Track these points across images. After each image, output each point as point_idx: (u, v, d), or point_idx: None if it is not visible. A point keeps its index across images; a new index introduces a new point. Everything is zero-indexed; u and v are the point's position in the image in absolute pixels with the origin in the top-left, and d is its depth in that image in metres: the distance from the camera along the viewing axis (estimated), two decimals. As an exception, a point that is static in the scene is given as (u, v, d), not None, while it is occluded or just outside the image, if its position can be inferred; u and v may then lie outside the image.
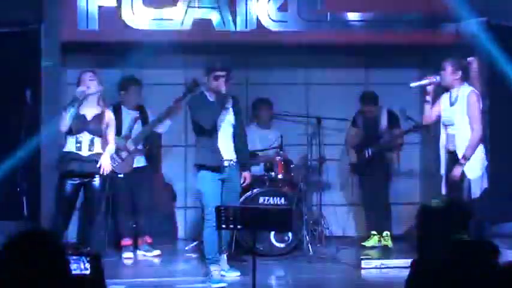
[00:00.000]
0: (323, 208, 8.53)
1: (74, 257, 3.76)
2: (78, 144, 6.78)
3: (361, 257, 7.30)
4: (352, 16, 8.24)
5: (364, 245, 8.24)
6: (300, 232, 7.76)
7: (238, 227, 5.63)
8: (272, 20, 8.11)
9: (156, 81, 8.49)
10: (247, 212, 5.63)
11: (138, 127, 7.85)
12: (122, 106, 7.89)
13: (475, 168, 6.47)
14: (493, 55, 7.47)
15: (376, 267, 7.11)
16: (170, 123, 7.84)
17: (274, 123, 8.65)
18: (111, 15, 7.90)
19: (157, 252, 7.94)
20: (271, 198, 7.81)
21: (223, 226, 5.67)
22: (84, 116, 6.80)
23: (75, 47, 7.88)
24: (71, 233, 7.70)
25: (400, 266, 6.73)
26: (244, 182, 6.77)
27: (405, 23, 8.14)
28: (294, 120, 8.54)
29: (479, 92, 6.64)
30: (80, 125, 6.76)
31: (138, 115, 7.89)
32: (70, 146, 6.80)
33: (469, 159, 6.43)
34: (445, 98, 6.66)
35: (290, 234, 7.70)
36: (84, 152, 6.78)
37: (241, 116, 6.93)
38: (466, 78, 6.60)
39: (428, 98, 6.68)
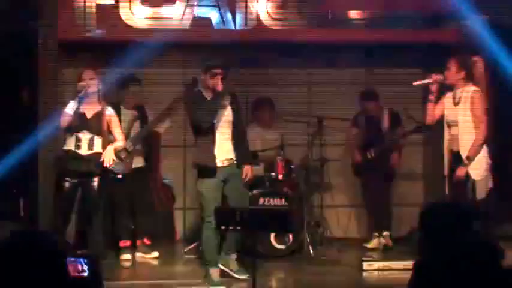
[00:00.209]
0: (324, 209, 8.53)
1: (72, 259, 3.76)
2: (78, 143, 6.78)
3: (363, 259, 7.30)
4: (353, 14, 8.24)
5: (366, 247, 8.23)
6: (300, 233, 7.76)
7: (238, 228, 5.64)
8: (272, 18, 8.11)
9: (155, 80, 8.49)
10: (247, 213, 5.63)
11: (136, 127, 7.84)
12: (121, 105, 7.88)
13: (479, 169, 6.46)
14: (496, 54, 7.47)
15: (377, 269, 7.10)
16: (169, 124, 7.84)
17: (274, 123, 8.64)
18: (109, 14, 7.91)
19: (155, 253, 7.94)
20: (272, 199, 7.80)
21: (223, 227, 5.68)
22: (83, 114, 6.80)
23: (72, 46, 7.88)
24: (69, 234, 7.69)
25: (402, 268, 6.73)
26: (246, 177, 6.71)
27: (407, 21, 8.14)
28: (294, 120, 8.54)
29: (483, 92, 6.63)
30: (80, 123, 6.76)
31: (137, 115, 7.88)
32: (69, 144, 6.80)
33: (473, 159, 6.43)
34: (448, 97, 6.65)
35: (290, 235, 7.70)
36: (84, 151, 6.78)
37: (240, 114, 6.91)
38: (470, 77, 6.59)
39: (431, 97, 6.68)
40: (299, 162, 8.48)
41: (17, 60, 7.68)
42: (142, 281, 6.93)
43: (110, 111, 6.97)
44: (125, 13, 7.91)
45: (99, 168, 6.78)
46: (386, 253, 8.00)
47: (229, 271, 6.73)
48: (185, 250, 8.13)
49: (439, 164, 6.89)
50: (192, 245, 8.08)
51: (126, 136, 7.72)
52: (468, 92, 6.52)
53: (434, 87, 6.66)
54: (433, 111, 6.72)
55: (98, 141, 6.82)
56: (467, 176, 6.43)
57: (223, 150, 6.60)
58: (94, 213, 6.89)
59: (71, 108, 6.68)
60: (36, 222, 7.45)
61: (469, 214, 3.41)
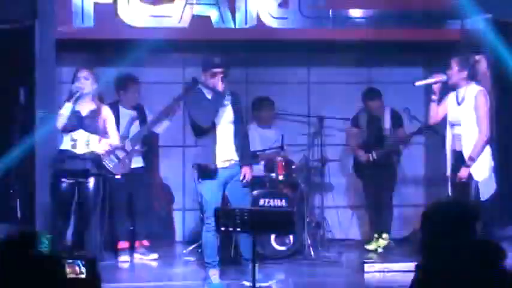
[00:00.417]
0: (325, 210, 8.53)
1: (70, 260, 3.77)
2: (73, 142, 6.79)
3: (364, 260, 7.30)
4: (355, 13, 8.24)
5: (367, 248, 8.23)
6: (301, 235, 7.76)
7: (238, 229, 5.64)
8: (272, 16, 8.12)
9: (154, 80, 8.50)
10: (247, 214, 5.63)
11: (135, 127, 7.85)
12: (120, 105, 7.89)
13: (482, 170, 6.46)
14: (499, 52, 7.48)
15: (379, 271, 7.11)
16: (169, 124, 7.84)
17: (274, 123, 8.65)
18: (107, 12, 7.91)
19: (154, 255, 7.94)
20: (272, 200, 7.80)
21: (223, 229, 5.68)
22: (78, 113, 6.80)
23: (70, 45, 7.88)
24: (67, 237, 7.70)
25: (404, 269, 6.73)
26: (244, 179, 6.70)
27: (409, 20, 8.14)
28: (295, 120, 8.54)
29: (487, 91, 6.63)
30: (75, 122, 6.76)
31: (135, 114, 7.89)
32: (65, 144, 6.81)
33: (475, 160, 6.43)
34: (451, 97, 6.65)
35: (291, 237, 7.70)
36: (80, 150, 6.79)
37: (242, 113, 6.90)
38: (473, 76, 6.59)
39: (434, 97, 6.67)
40: (299, 162, 8.48)
41: (14, 59, 7.68)
42: (141, 283, 6.94)
43: (105, 109, 6.98)
44: (123, 12, 7.91)
45: (95, 167, 6.78)
46: (387, 254, 8.00)
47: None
48: (184, 252, 8.13)
49: (442, 165, 6.88)
50: (192, 247, 8.09)
51: (125, 136, 7.74)
52: (471, 91, 6.52)
53: (436, 87, 6.65)
54: (436, 112, 6.71)
55: (94, 140, 6.83)
56: (470, 176, 6.43)
57: (225, 151, 6.58)
58: (91, 213, 6.89)
59: (66, 110, 6.68)
60: (34, 223, 7.45)
61: (471, 215, 3.41)
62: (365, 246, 8.28)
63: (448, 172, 6.66)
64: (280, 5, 8.11)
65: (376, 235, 8.28)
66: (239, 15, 8.05)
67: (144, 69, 8.32)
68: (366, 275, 7.06)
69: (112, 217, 7.88)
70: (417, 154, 8.94)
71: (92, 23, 7.89)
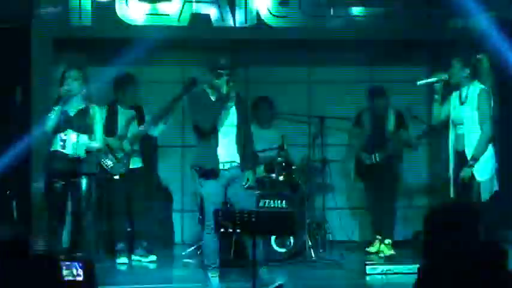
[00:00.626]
0: (326, 212, 8.52)
1: (67, 263, 3.76)
2: (62, 143, 6.79)
3: (366, 263, 7.29)
4: (356, 11, 8.23)
5: (369, 251, 8.21)
6: (301, 236, 7.75)
7: (238, 231, 5.63)
8: (273, 15, 8.11)
9: (152, 79, 8.49)
10: (246, 216, 5.62)
11: (133, 127, 7.85)
12: (118, 105, 7.88)
13: (485, 170, 6.45)
14: (502, 51, 7.47)
15: (381, 273, 7.10)
16: (164, 127, 7.82)
17: (275, 123, 8.64)
18: (105, 11, 7.91)
19: (153, 257, 7.93)
20: (272, 201, 7.80)
21: (222, 230, 5.66)
22: (67, 113, 6.80)
23: (67, 44, 7.88)
24: (64, 238, 7.69)
25: (406, 272, 6.72)
26: (246, 184, 6.67)
27: (411, 18, 8.14)
28: (295, 120, 8.53)
29: (490, 90, 6.62)
30: (64, 122, 6.76)
31: (134, 114, 7.88)
32: (56, 144, 6.81)
33: (478, 160, 6.42)
34: (454, 96, 6.64)
35: (291, 238, 7.70)
36: (70, 151, 6.79)
37: (246, 115, 6.84)
38: (475, 75, 6.58)
39: (437, 96, 6.67)
40: (300, 163, 8.48)
41: (10, 59, 7.68)
42: (139, 286, 6.92)
43: (94, 108, 6.97)
44: (121, 9, 7.91)
45: (87, 167, 6.78)
46: (390, 256, 7.99)
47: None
48: (183, 253, 8.12)
49: (444, 165, 6.88)
50: (191, 248, 8.08)
51: (123, 136, 7.74)
52: (474, 90, 6.52)
53: (438, 87, 6.64)
54: (439, 112, 6.70)
55: (83, 139, 6.83)
56: (473, 177, 6.42)
57: (226, 153, 6.54)
58: (84, 213, 6.88)
59: (55, 113, 6.68)
60: (30, 224, 7.45)
61: (474, 217, 3.40)
62: (366, 249, 8.26)
63: (451, 172, 6.65)
64: (280, 3, 8.10)
65: (378, 237, 8.25)
66: (239, 14, 8.04)
67: (143, 68, 8.31)
68: (367, 278, 7.05)
69: (110, 218, 7.87)
70: (420, 154, 8.92)
71: (90, 22, 7.88)
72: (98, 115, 6.98)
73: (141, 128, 7.80)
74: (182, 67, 8.54)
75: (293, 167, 8.18)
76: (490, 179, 6.50)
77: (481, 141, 6.43)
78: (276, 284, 6.50)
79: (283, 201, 7.81)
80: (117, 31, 7.93)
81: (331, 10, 8.16)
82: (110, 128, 7.73)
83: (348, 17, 8.24)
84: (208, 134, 6.49)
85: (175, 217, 8.96)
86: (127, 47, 7.53)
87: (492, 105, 6.58)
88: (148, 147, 8.11)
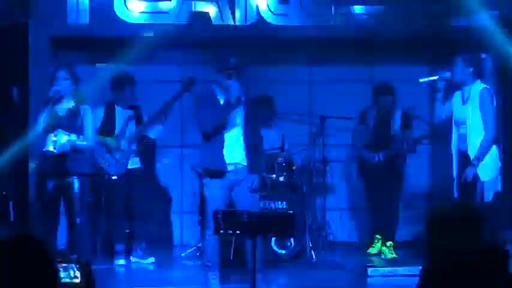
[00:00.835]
0: (327, 212, 8.52)
1: (63, 265, 3.76)
2: (53, 143, 6.80)
3: (367, 264, 7.29)
4: (358, 9, 8.23)
5: (369, 253, 8.19)
6: (302, 238, 7.75)
7: (237, 232, 5.62)
8: (273, 13, 8.10)
9: (151, 78, 8.48)
10: (246, 217, 5.61)
11: (131, 127, 7.84)
12: (116, 105, 7.88)
13: (489, 170, 6.44)
14: (505, 50, 7.46)
15: (383, 275, 7.09)
16: (162, 128, 7.82)
17: (275, 123, 8.64)
18: (102, 9, 7.90)
19: (152, 259, 7.93)
20: (272, 202, 7.79)
21: (221, 231, 5.66)
22: (57, 113, 6.81)
23: (65, 42, 7.88)
24: (61, 240, 7.69)
25: (408, 274, 6.72)
26: (251, 185, 6.63)
27: (413, 16, 8.13)
28: (296, 120, 8.53)
29: (493, 90, 6.61)
30: (54, 122, 6.77)
31: (131, 114, 7.88)
32: (47, 144, 6.83)
33: (481, 160, 6.42)
34: (457, 95, 6.64)
35: (292, 240, 7.69)
36: (60, 151, 6.79)
37: (255, 117, 6.79)
38: (479, 74, 6.57)
39: (439, 95, 6.65)
40: (301, 163, 8.47)
41: (7, 57, 7.67)
42: (138, 288, 6.93)
43: (84, 108, 6.96)
44: (119, 7, 7.90)
45: (80, 167, 6.79)
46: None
47: None
48: (182, 255, 8.12)
49: (447, 165, 6.87)
50: (190, 250, 8.08)
51: (121, 136, 7.74)
52: (477, 89, 6.51)
53: (441, 85, 6.63)
54: (441, 111, 6.69)
55: (74, 139, 6.83)
56: (476, 177, 6.41)
57: (232, 154, 6.51)
58: (77, 214, 6.87)
59: (45, 114, 6.70)
60: (27, 226, 7.44)
61: (477, 218, 3.39)
62: (367, 251, 8.23)
63: (454, 173, 6.64)
64: (280, 1, 8.10)
65: (377, 236, 8.22)
66: (239, 12, 8.03)
67: (141, 67, 8.30)
68: (369, 279, 7.05)
69: (108, 219, 7.87)
70: (422, 155, 8.91)
71: (87, 20, 7.88)
72: (89, 115, 6.97)
73: (139, 127, 7.80)
74: (181, 66, 8.54)
75: (293, 168, 8.17)
76: (494, 179, 6.49)
77: (484, 141, 6.43)
78: None
79: (284, 202, 7.80)
80: (115, 29, 7.92)
81: (332, 8, 8.14)
82: (107, 128, 7.73)
83: (349, 15, 8.22)
84: (215, 134, 6.46)
85: (174, 218, 8.96)
86: (125, 46, 7.52)
87: (495, 104, 6.57)
88: (147, 148, 8.10)
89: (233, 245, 7.43)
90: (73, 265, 3.75)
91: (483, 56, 6.86)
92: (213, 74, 6.57)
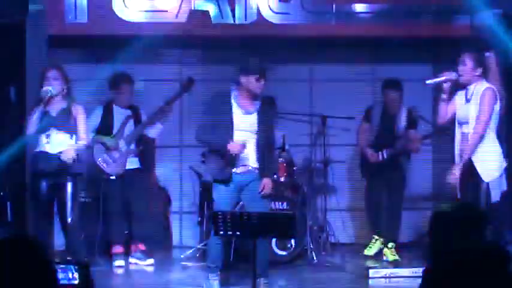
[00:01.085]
0: (328, 213, 8.51)
1: (62, 266, 3.76)
2: (46, 143, 6.81)
3: (369, 266, 7.29)
4: (359, 8, 8.23)
5: (366, 254, 8.15)
6: (303, 239, 7.75)
7: (237, 233, 5.62)
8: (273, 11, 8.11)
9: (150, 77, 8.48)
10: (246, 218, 5.61)
11: (130, 126, 7.85)
12: (114, 104, 7.88)
13: (491, 170, 6.43)
14: (509, 48, 7.46)
15: (384, 277, 7.10)
16: (162, 127, 7.83)
17: (275, 123, 8.62)
18: (101, 7, 7.90)
19: (150, 260, 7.93)
20: (273, 202, 7.79)
21: (221, 232, 5.66)
22: (49, 112, 6.82)
23: (62, 41, 7.88)
24: (59, 241, 7.69)
25: (410, 275, 6.72)
26: (262, 190, 6.59)
27: (416, 15, 8.13)
28: (297, 120, 8.53)
29: (497, 89, 6.59)
30: (46, 122, 6.78)
31: (130, 114, 7.88)
32: (41, 145, 6.84)
33: (469, 159, 6.38)
34: (460, 95, 6.62)
35: (293, 241, 7.69)
36: (53, 150, 6.81)
37: (271, 122, 6.76)
38: (485, 74, 6.56)
39: (444, 96, 6.63)
40: (302, 163, 8.47)
41: (4, 57, 7.67)
42: (137, 289, 6.94)
43: (76, 107, 6.97)
44: (117, 6, 7.91)
45: (74, 167, 6.80)
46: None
47: None
48: (182, 256, 8.12)
49: (450, 166, 6.86)
50: (189, 251, 8.08)
51: (119, 136, 7.74)
52: (480, 88, 6.49)
53: (446, 86, 6.60)
54: (445, 111, 6.68)
55: (67, 138, 6.84)
56: (479, 178, 6.40)
57: (242, 156, 6.47)
58: (69, 215, 6.88)
59: (36, 114, 6.71)
60: (25, 226, 7.44)
61: (480, 219, 3.40)
62: (365, 253, 8.18)
63: (457, 173, 6.63)
64: (281, 0, 8.10)
65: (375, 237, 8.18)
66: (239, 10, 8.04)
67: (140, 66, 8.31)
68: (370, 281, 7.05)
69: (106, 220, 7.87)
70: (424, 155, 8.91)
71: (86, 19, 7.88)
72: (81, 115, 6.99)
73: (138, 127, 7.80)
74: (180, 65, 8.54)
75: (294, 168, 8.17)
76: (499, 178, 6.47)
77: (472, 138, 6.40)
78: None
79: (285, 203, 7.80)
80: (114, 28, 7.92)
81: (333, 6, 8.14)
82: (105, 128, 7.74)
83: (350, 13, 8.22)
84: (219, 137, 6.42)
85: (174, 219, 8.95)
86: (124, 45, 7.52)
87: (499, 104, 6.56)
88: (146, 148, 8.10)
89: (233, 245, 7.44)
90: (71, 266, 3.75)
91: (488, 55, 6.84)
92: (235, 75, 6.57)
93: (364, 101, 8.42)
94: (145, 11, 8.00)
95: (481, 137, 6.41)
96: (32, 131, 6.76)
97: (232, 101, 6.49)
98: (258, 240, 5.85)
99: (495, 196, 6.39)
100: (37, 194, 6.85)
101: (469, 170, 6.44)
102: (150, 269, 7.84)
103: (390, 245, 8.07)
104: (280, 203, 7.80)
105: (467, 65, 6.48)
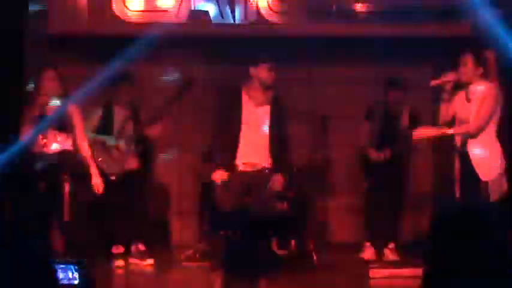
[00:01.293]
0: (328, 213, 8.52)
1: (62, 266, 3.77)
2: (43, 144, 6.82)
3: (370, 266, 7.29)
4: (360, 7, 8.23)
5: (362, 257, 8.13)
6: (303, 239, 7.75)
7: (238, 233, 5.63)
8: (273, 11, 8.11)
9: (149, 77, 8.49)
10: (247, 218, 5.62)
11: (130, 126, 7.85)
12: (114, 104, 7.89)
13: (490, 170, 6.44)
14: (509, 48, 7.46)
15: (385, 277, 7.10)
16: (160, 128, 7.83)
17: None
18: (101, 7, 7.91)
19: (150, 260, 7.93)
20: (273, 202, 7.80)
21: (221, 232, 5.67)
22: (46, 113, 6.84)
23: (62, 41, 7.88)
24: (59, 241, 7.70)
25: (411, 276, 6.72)
26: (272, 186, 6.56)
27: (416, 14, 8.13)
28: (296, 119, 8.53)
29: (498, 89, 6.60)
30: (44, 122, 6.80)
31: (130, 114, 7.89)
32: (37, 145, 6.85)
33: (468, 157, 6.39)
34: (461, 94, 6.63)
35: (293, 241, 7.69)
36: (50, 150, 6.81)
37: (284, 117, 6.76)
38: (486, 74, 6.56)
39: (446, 96, 6.63)
40: (302, 163, 8.47)
41: (4, 57, 7.67)
42: (137, 290, 6.94)
43: (72, 107, 6.98)
44: (117, 5, 7.91)
45: (71, 167, 6.81)
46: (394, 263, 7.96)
47: None
48: (182, 256, 8.12)
49: (450, 165, 6.87)
50: (189, 251, 8.08)
51: (119, 136, 7.75)
52: (481, 88, 6.50)
53: (449, 86, 6.61)
54: (447, 111, 6.68)
55: (63, 138, 6.85)
56: (477, 177, 6.40)
57: (249, 154, 6.45)
58: (68, 215, 6.89)
59: (34, 116, 6.74)
60: (23, 227, 7.44)
61: (482, 220, 3.40)
62: (360, 255, 8.16)
63: (456, 173, 6.64)
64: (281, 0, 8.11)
65: (369, 244, 8.14)
66: (239, 10, 8.04)
67: (140, 67, 8.31)
68: (371, 282, 7.05)
69: (106, 220, 7.87)
70: (426, 155, 8.91)
71: (86, 19, 7.88)
72: (78, 115, 7.00)
73: (138, 127, 7.81)
74: (180, 65, 8.54)
75: (294, 168, 8.16)
76: (498, 178, 6.47)
77: (464, 128, 6.41)
78: None
79: (285, 203, 7.80)
80: (114, 28, 7.93)
81: (334, 6, 8.15)
82: (105, 128, 7.74)
83: (351, 13, 8.23)
84: (233, 130, 6.41)
85: (174, 219, 8.96)
86: (124, 45, 7.53)
87: (499, 103, 6.56)
88: (145, 148, 8.11)
89: (233, 245, 7.44)
90: (71, 266, 3.76)
91: (488, 54, 6.84)
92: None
93: (364, 100, 8.41)
94: (146, 11, 8.00)
95: (476, 130, 6.42)
96: (30, 131, 6.77)
97: (243, 93, 6.48)
98: (258, 240, 5.86)
99: (494, 196, 6.39)
100: (36, 193, 6.86)
101: (469, 169, 6.45)
102: (150, 269, 7.84)
103: (391, 246, 8.07)
104: (280, 203, 7.79)
105: (468, 65, 6.49)
